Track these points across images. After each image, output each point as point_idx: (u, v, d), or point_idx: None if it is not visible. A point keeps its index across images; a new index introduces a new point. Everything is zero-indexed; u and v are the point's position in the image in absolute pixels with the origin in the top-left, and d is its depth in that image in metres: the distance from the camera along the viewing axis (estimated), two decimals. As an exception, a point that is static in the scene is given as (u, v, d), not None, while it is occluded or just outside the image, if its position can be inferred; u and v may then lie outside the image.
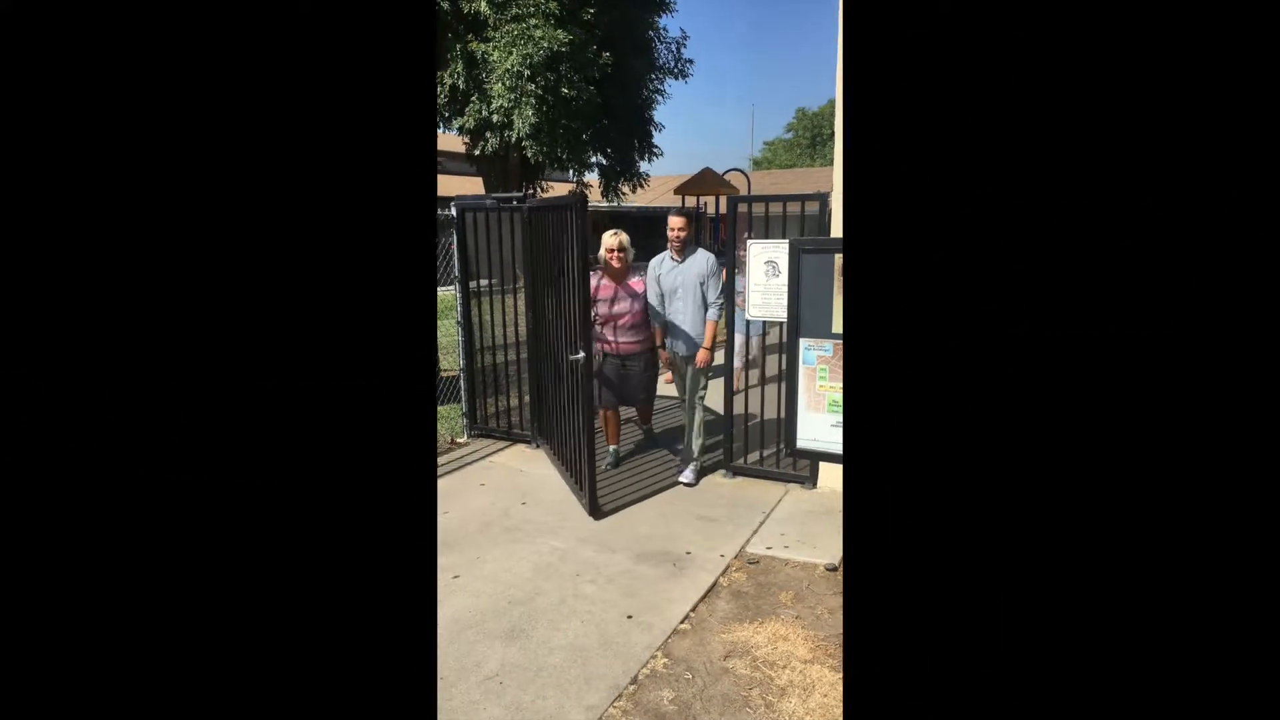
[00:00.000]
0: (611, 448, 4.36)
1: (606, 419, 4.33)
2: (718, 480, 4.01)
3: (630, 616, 2.63)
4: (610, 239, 4.06)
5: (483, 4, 8.73)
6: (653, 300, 4.06)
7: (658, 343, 4.18)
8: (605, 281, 4.07)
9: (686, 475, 3.98)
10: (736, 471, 4.05)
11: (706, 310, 3.93)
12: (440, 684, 2.24)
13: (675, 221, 3.96)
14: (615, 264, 4.01)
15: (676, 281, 3.94)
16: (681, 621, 2.60)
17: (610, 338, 4.13)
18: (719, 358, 4.71)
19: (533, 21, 8.51)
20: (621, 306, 4.04)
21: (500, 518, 3.53)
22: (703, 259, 3.91)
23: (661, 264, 4.02)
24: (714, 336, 3.90)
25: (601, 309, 4.07)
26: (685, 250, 3.94)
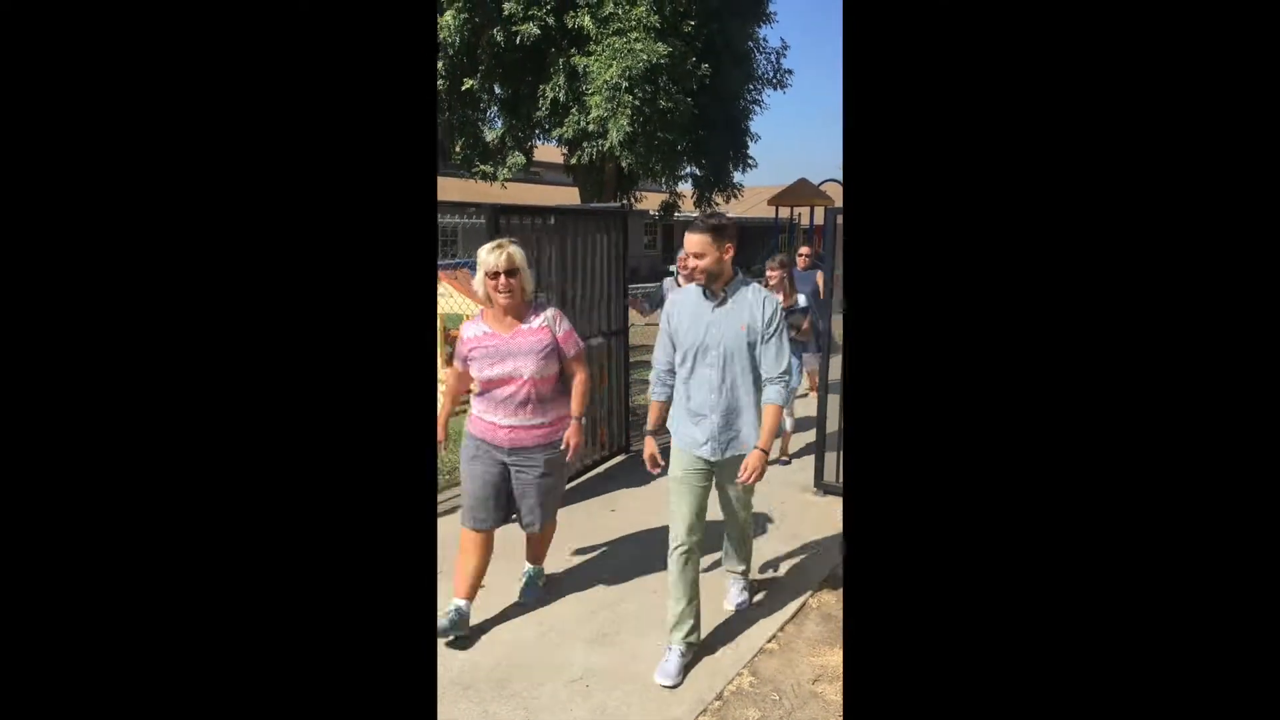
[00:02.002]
0: (457, 603, 2.45)
1: (464, 548, 2.49)
2: (808, 499, 3.92)
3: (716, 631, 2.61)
4: (490, 255, 2.33)
5: (586, 19, 8.97)
6: (659, 357, 2.44)
7: (649, 424, 2.53)
8: (484, 328, 2.45)
9: (736, 597, 2.76)
10: (827, 490, 3.94)
11: (759, 385, 2.34)
12: (528, 681, 2.29)
13: (692, 242, 2.25)
14: (501, 298, 2.36)
15: (708, 335, 2.31)
16: (769, 641, 2.55)
17: (491, 417, 2.45)
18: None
19: (634, 36, 8.66)
20: (511, 367, 2.40)
21: (584, 520, 3.59)
22: (754, 300, 2.32)
23: (683, 302, 2.40)
24: (773, 432, 2.30)
25: (476, 370, 2.44)
26: (724, 285, 2.32)
